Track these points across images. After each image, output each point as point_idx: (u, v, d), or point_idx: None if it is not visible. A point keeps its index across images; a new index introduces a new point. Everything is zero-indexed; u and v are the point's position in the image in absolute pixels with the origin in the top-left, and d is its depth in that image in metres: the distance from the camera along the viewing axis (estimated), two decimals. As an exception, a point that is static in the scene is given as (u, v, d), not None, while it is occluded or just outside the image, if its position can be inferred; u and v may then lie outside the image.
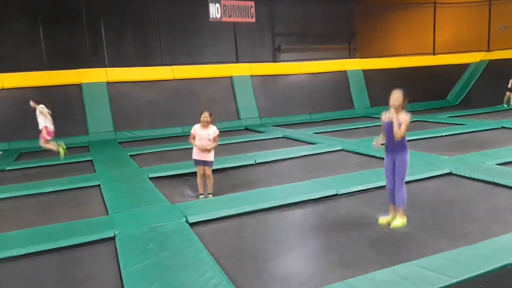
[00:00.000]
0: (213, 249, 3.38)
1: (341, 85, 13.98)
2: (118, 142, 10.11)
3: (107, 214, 4.44)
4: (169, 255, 3.23)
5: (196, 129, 5.22)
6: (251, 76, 13.07)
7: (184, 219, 4.02)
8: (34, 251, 3.53)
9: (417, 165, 5.70)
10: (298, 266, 3.18)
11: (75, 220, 4.28)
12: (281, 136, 9.63)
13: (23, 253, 3.49)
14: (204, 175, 5.23)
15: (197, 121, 5.20)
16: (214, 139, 5.17)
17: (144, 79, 11.92)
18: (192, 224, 3.95)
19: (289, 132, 10.06)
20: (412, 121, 12.01)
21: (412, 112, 14.16)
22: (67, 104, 11.01)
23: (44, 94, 10.84)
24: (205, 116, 5.12)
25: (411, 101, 13.34)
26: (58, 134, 10.53)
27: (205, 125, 5.15)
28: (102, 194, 5.27)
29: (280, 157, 7.08)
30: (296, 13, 16.10)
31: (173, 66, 12.41)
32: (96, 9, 13.01)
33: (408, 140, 8.35)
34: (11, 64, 11.62)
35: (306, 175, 5.67)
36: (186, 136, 10.50)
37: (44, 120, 7.48)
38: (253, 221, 4.12)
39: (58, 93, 10.96)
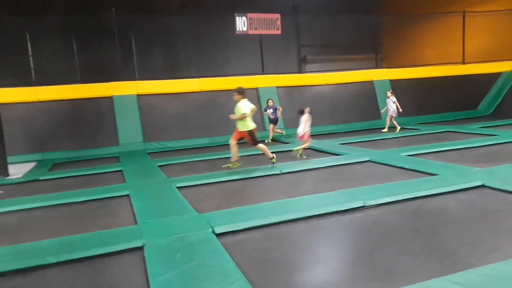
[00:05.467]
0: (239, 260, 3.38)
1: (368, 95, 13.85)
2: (147, 153, 10.33)
3: (136, 223, 4.53)
4: (196, 266, 3.26)
5: None
6: (277, 87, 13.13)
7: (211, 229, 4.06)
8: (65, 259, 3.61)
9: (449, 177, 5.56)
10: (325, 277, 3.13)
11: (105, 229, 4.38)
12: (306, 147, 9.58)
13: (54, 261, 3.57)
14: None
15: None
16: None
17: (172, 91, 12.19)
18: (218, 235, 3.97)
19: (315, 142, 10.00)
20: (442, 132, 11.69)
21: (442, 122, 13.82)
22: (99, 116, 11.40)
23: (77, 106, 11.30)
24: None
25: (440, 111, 13.04)
26: (90, 144, 10.97)
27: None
28: (131, 204, 5.39)
29: (306, 168, 7.06)
30: (321, 24, 16.11)
31: (200, 78, 12.64)
32: (127, 24, 13.45)
33: (438, 151, 8.16)
34: (46, 78, 12.15)
35: (332, 186, 5.61)
36: (213, 147, 10.74)
37: None
38: (280, 231, 4.10)
39: (90, 105, 11.38)
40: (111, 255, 3.72)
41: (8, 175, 8.11)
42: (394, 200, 4.75)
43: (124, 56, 13.60)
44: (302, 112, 8.33)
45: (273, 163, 7.23)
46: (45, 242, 4.04)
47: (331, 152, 8.59)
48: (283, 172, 6.84)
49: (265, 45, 13.61)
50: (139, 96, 11.81)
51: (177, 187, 6.10)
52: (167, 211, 4.85)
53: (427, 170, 6.09)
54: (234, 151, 7.12)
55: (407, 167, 6.52)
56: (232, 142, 7.13)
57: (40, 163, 9.72)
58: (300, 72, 16.51)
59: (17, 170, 8.56)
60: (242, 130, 7.05)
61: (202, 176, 6.78)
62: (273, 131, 11.05)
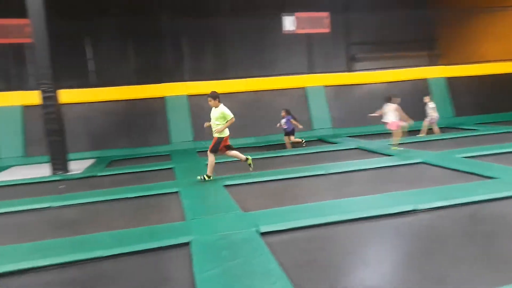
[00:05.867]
0: (283, 260, 3.38)
1: (421, 94, 13.25)
2: (197, 151, 10.60)
3: (184, 220, 4.67)
4: (239, 264, 3.29)
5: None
6: (325, 86, 12.96)
7: (256, 228, 4.08)
8: (118, 252, 3.77)
9: (510, 180, 5.20)
10: (372, 283, 3.05)
11: (156, 224, 4.55)
12: (355, 147, 9.38)
13: (106, 254, 3.75)
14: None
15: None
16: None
17: (220, 91, 12.38)
18: (263, 234, 3.99)
19: (364, 143, 9.76)
20: (503, 133, 10.99)
21: (503, 122, 12.98)
22: (152, 116, 11.91)
23: (132, 106, 11.86)
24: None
25: (501, 111, 12.30)
26: (144, 143, 11.46)
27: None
28: (180, 201, 5.56)
29: (353, 169, 6.90)
30: (372, 20, 15.65)
31: (248, 79, 12.76)
32: (178, 27, 13.90)
33: (498, 153, 7.66)
34: (104, 79, 12.84)
35: (382, 187, 5.44)
36: (259, 147, 10.81)
37: None
38: (326, 233, 4.05)
39: (144, 106, 11.90)
40: (160, 249, 3.85)
41: (68, 171, 8.67)
42: (448, 204, 4.52)
43: (176, 58, 14.05)
44: (389, 99, 8.35)
45: (250, 164, 6.98)
46: (101, 235, 4.27)
47: (381, 153, 8.33)
48: (329, 172, 6.73)
49: (313, 44, 13.48)
50: (189, 96, 12.16)
51: (224, 186, 6.21)
52: (214, 209, 4.95)
53: (486, 173, 5.73)
54: (233, 154, 6.96)
55: (463, 169, 6.18)
56: (224, 153, 6.91)
57: (99, 160, 10.29)
58: (349, 71, 16.17)
59: (78, 166, 9.14)
60: (218, 136, 6.67)
61: (248, 175, 6.84)
62: (290, 140, 10.11)
